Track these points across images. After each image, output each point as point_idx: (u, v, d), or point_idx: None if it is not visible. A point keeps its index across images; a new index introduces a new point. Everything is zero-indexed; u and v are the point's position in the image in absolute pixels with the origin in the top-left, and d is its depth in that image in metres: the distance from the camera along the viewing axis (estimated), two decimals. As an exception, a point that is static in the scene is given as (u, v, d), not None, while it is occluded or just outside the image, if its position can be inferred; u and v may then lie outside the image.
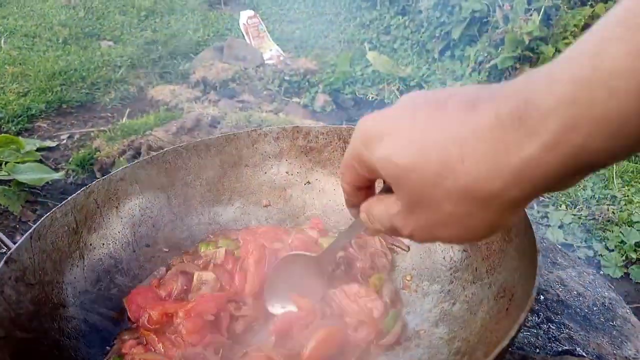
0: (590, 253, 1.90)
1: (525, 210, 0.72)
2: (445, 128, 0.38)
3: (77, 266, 0.85)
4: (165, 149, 1.03)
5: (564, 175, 0.35)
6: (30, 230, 0.79)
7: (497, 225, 0.40)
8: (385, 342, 0.78)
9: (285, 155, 1.10)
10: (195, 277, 0.89)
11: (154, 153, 1.05)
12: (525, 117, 0.34)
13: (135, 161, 1.00)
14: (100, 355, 0.78)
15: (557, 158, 0.33)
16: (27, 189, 2.09)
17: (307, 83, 3.16)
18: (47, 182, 2.12)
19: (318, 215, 1.06)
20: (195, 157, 1.05)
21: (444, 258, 0.88)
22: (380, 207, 0.48)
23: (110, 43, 3.69)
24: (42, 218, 0.83)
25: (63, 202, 0.87)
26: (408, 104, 0.43)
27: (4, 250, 1.84)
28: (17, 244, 0.76)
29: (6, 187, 2.05)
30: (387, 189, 0.49)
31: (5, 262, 0.73)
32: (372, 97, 3.04)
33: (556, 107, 0.32)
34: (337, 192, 1.08)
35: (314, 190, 1.09)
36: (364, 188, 0.53)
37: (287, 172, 1.10)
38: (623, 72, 0.30)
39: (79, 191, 0.90)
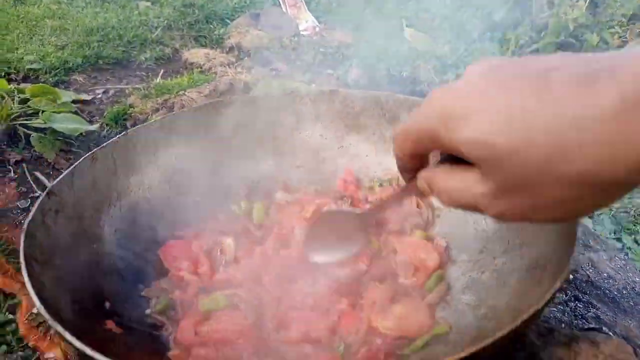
0: (619, 245, 1.87)
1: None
2: (556, 109, 0.34)
3: (115, 206, 0.87)
4: (203, 103, 1.04)
5: None
6: (71, 167, 0.81)
7: (606, 205, 0.38)
8: (428, 300, 0.78)
9: (321, 118, 1.09)
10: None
11: (192, 106, 1.06)
12: None
13: (174, 112, 1.01)
14: (134, 290, 0.80)
15: None
16: (61, 138, 2.13)
17: (341, 56, 3.13)
18: (82, 134, 2.15)
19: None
20: (232, 113, 1.06)
21: (475, 229, 0.88)
22: (455, 182, 0.44)
23: (148, 3, 3.70)
24: (83, 157, 0.85)
25: (104, 144, 0.89)
26: (493, 77, 0.39)
27: (38, 194, 1.90)
28: (58, 179, 0.79)
29: (42, 135, 2.09)
30: (452, 159, 0.45)
31: (47, 194, 0.75)
32: (406, 75, 3.00)
33: None
34: (369, 158, 1.08)
35: (347, 155, 1.09)
36: (421, 157, 0.49)
37: (321, 135, 1.10)
38: None
39: (119, 135, 0.91)
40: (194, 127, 1.01)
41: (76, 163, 0.82)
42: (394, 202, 0.67)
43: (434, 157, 0.50)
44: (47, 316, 0.55)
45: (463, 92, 0.40)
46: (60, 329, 0.53)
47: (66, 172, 0.80)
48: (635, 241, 1.91)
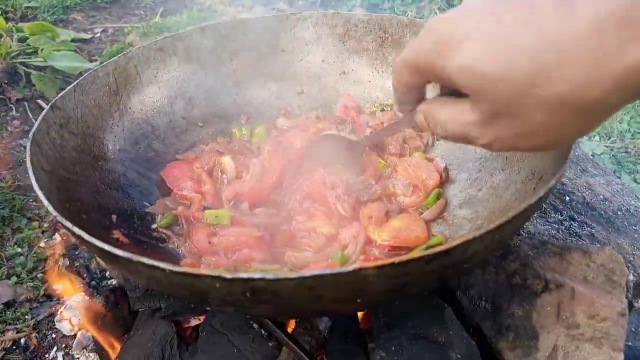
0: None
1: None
2: (538, 31, 0.35)
3: (117, 126, 0.88)
4: (203, 25, 1.03)
5: None
6: (73, 84, 0.82)
7: (588, 131, 0.38)
8: (425, 215, 0.80)
9: (323, 42, 1.08)
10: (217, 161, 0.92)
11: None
12: (630, 19, 0.31)
13: (174, 33, 1.00)
14: (138, 207, 0.82)
15: None
16: (61, 77, 2.12)
17: (344, -4, 3.05)
18: (81, 72, 2.14)
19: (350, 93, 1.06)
20: (233, 35, 1.05)
21: (474, 150, 0.89)
22: (448, 114, 0.45)
23: (146, -60, 3.58)
24: (85, 74, 0.85)
25: (104, 63, 0.88)
26: (486, 4, 0.39)
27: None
28: (61, 94, 0.79)
29: (42, 73, 2.08)
30: (449, 92, 0.46)
31: (51, 107, 0.75)
32: (411, 15, 2.94)
33: None
34: (371, 84, 1.07)
35: (349, 81, 1.09)
36: (419, 90, 0.50)
37: (323, 61, 1.09)
38: None
39: (119, 54, 0.91)
40: (195, 49, 1.01)
41: (78, 80, 0.82)
42: (388, 132, 0.69)
43: (432, 91, 0.51)
44: (55, 213, 0.57)
45: (458, 19, 0.40)
46: (68, 224, 0.55)
47: (68, 88, 0.80)
48: (635, 180, 1.92)
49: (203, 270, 0.46)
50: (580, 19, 0.33)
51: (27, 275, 1.33)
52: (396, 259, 0.47)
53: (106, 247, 0.51)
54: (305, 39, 1.08)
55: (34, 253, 1.40)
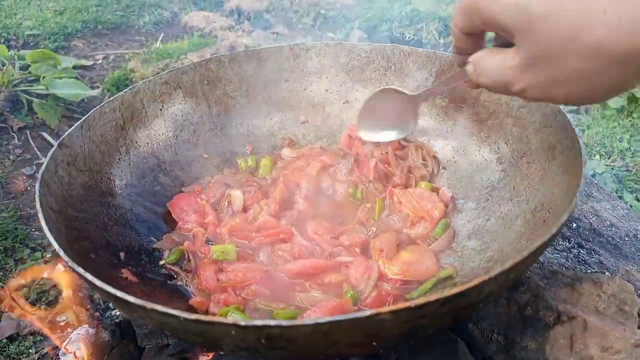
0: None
1: (574, 127, 0.72)
2: None
3: (124, 160, 0.88)
4: (207, 57, 1.04)
5: None
6: (80, 121, 0.82)
7: (621, 88, 0.39)
8: (435, 247, 0.80)
9: (326, 72, 1.09)
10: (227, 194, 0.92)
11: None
12: None
13: (179, 66, 1.01)
14: (146, 243, 0.82)
15: None
16: (63, 105, 2.13)
17: (342, 18, 3.08)
18: (83, 99, 2.15)
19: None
20: (237, 67, 1.05)
21: (481, 178, 0.89)
22: (494, 60, 0.46)
23: (145, -33, 3.62)
24: (92, 111, 0.85)
25: (111, 98, 0.89)
26: None
27: (42, 160, 1.91)
28: (68, 131, 0.79)
29: (44, 101, 2.09)
30: (502, 44, 0.48)
31: (59, 146, 0.76)
32: (409, 37, 2.96)
33: None
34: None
35: (352, 110, 1.09)
36: (474, 36, 0.51)
37: (326, 90, 1.10)
38: None
39: (126, 89, 0.91)
40: (199, 82, 1.02)
41: (85, 116, 0.83)
42: (443, 86, 0.70)
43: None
44: (66, 259, 0.56)
45: None
46: (80, 270, 0.55)
47: (75, 125, 0.80)
48: (637, 199, 1.92)
49: (217, 318, 0.46)
50: None
51: (31, 307, 1.32)
52: (412, 303, 0.47)
53: (119, 293, 0.50)
54: (309, 69, 1.09)
55: (37, 284, 1.39)
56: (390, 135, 0.87)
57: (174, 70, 0.99)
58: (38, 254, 1.50)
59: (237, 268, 0.75)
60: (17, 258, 1.48)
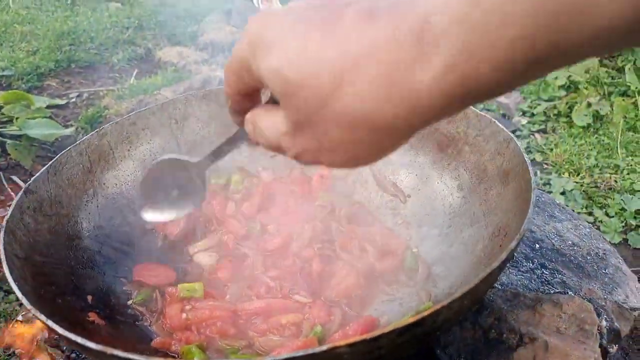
0: (591, 219, 1.93)
1: (524, 154, 0.75)
2: (341, 42, 0.34)
3: (92, 203, 0.89)
4: (174, 97, 1.06)
5: (451, 105, 0.33)
6: (47, 165, 0.83)
7: (386, 152, 0.38)
8: (419, 277, 0.82)
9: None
10: None
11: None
12: (422, 37, 0.31)
13: (146, 107, 1.03)
14: (113, 284, 0.82)
15: (447, 87, 0.31)
16: (37, 145, 2.12)
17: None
18: (57, 138, 2.15)
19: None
20: (204, 105, 1.08)
21: (443, 205, 0.92)
22: (268, 122, 0.43)
23: (118, 4, 3.67)
24: (58, 155, 0.86)
25: (77, 142, 0.90)
26: (300, 8, 0.38)
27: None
28: (34, 177, 0.80)
29: (17, 142, 2.08)
30: (274, 100, 0.44)
31: (24, 192, 0.76)
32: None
33: (449, 29, 0.29)
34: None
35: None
36: (249, 95, 0.46)
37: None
38: None
39: (92, 132, 0.93)
40: (166, 121, 1.03)
41: (51, 161, 0.84)
42: (226, 148, 0.61)
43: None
44: (29, 306, 0.57)
45: (274, 21, 0.38)
46: (43, 318, 0.55)
47: (42, 170, 0.81)
48: (606, 214, 1.98)
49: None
50: (380, 32, 0.32)
51: (4, 352, 1.30)
52: (367, 336, 0.48)
53: (79, 339, 0.51)
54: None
55: (11, 327, 1.37)
56: (179, 211, 0.71)
57: (141, 111, 1.01)
58: (12, 296, 1.48)
59: (203, 305, 0.76)
60: (-10, 302, 1.46)
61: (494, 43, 0.29)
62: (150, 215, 0.70)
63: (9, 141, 2.06)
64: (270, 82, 0.38)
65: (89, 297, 0.76)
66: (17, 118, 2.13)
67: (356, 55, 0.33)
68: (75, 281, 0.77)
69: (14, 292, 1.44)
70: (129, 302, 0.80)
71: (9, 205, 1.84)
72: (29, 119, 2.16)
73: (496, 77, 0.30)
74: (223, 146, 0.62)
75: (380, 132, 0.35)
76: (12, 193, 1.93)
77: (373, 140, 0.36)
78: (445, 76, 0.30)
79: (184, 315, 0.76)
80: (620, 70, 2.53)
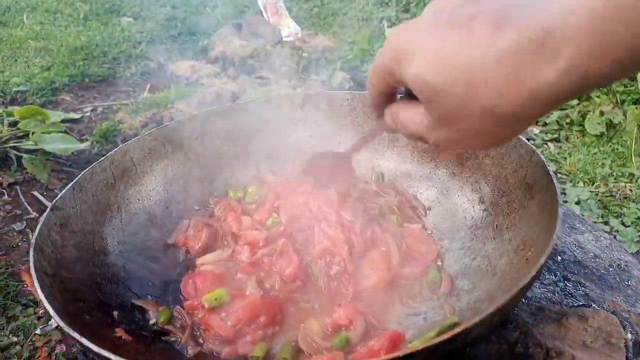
0: (607, 229, 1.92)
1: (548, 167, 0.75)
2: (471, 50, 0.41)
3: (116, 218, 0.90)
4: (195, 113, 1.07)
5: (571, 95, 0.39)
6: (72, 182, 0.84)
7: (513, 136, 0.46)
8: (442, 291, 0.81)
9: (309, 120, 1.13)
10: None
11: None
12: (544, 44, 0.37)
13: (167, 123, 1.04)
14: (138, 299, 0.82)
15: (570, 81, 0.37)
16: (52, 159, 2.15)
17: (325, 60, 3.17)
18: (73, 153, 2.17)
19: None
20: (223, 120, 1.09)
21: (464, 217, 0.92)
22: (408, 115, 0.51)
23: (130, 19, 3.72)
24: (83, 172, 0.87)
25: (102, 159, 0.91)
26: (434, 19, 0.45)
27: (32, 216, 1.92)
28: (61, 194, 0.81)
29: (33, 156, 2.10)
30: (411, 94, 0.52)
31: (51, 209, 0.77)
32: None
33: (572, 37, 0.36)
34: (360, 155, 1.11)
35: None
36: (388, 94, 0.56)
37: (310, 136, 1.13)
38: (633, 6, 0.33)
39: (116, 149, 0.94)
40: (187, 137, 1.04)
41: (77, 178, 0.85)
42: (369, 138, 0.74)
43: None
44: (62, 324, 0.57)
45: (413, 31, 0.46)
46: (76, 335, 0.56)
47: (68, 187, 0.82)
48: (622, 223, 1.96)
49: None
50: (505, 41, 0.39)
51: (23, 364, 1.31)
52: (400, 353, 0.48)
53: (113, 357, 0.51)
54: (293, 117, 1.12)
55: (30, 341, 1.38)
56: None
57: (162, 127, 1.02)
58: (30, 310, 1.49)
59: (238, 307, 0.77)
60: (9, 315, 1.47)
61: (613, 45, 0.35)
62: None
63: (25, 155, 2.08)
64: (414, 86, 0.46)
65: (115, 313, 0.77)
66: (32, 133, 2.15)
67: (484, 60, 0.40)
68: (102, 297, 0.77)
69: (32, 306, 1.46)
70: (151, 323, 0.80)
71: (26, 219, 1.86)
72: (44, 133, 2.19)
73: (613, 70, 0.36)
74: (366, 137, 0.74)
75: (509, 121, 0.42)
76: (28, 207, 1.95)
77: (505, 128, 0.44)
78: (568, 73, 0.37)
79: (228, 323, 0.77)
80: (633, 78, 2.52)
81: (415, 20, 0.47)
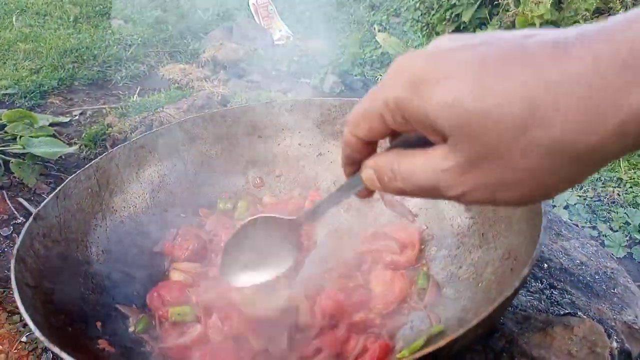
0: (595, 233, 1.93)
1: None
2: (533, 71, 0.33)
3: (100, 227, 0.89)
4: (182, 119, 1.07)
5: None
6: (56, 191, 0.83)
7: (576, 182, 0.36)
8: (427, 299, 0.81)
9: (299, 126, 1.12)
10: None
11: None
12: (631, 65, 0.31)
13: (154, 130, 1.03)
14: (123, 309, 0.81)
15: None
16: (41, 163, 2.12)
17: (316, 64, 3.17)
18: (61, 156, 2.15)
19: (327, 188, 1.10)
20: (211, 126, 1.08)
21: (451, 225, 0.92)
22: (414, 163, 0.41)
23: (121, 22, 3.70)
24: (67, 180, 0.86)
25: (86, 166, 0.90)
26: (464, 44, 0.37)
27: (20, 221, 1.90)
28: (43, 203, 0.80)
29: (21, 160, 2.08)
30: (402, 145, 0.43)
31: (34, 219, 0.76)
32: (381, 79, 3.05)
33: None
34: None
35: (326, 162, 1.12)
36: (373, 143, 0.45)
37: (299, 144, 1.13)
38: None
39: (101, 156, 0.93)
40: (174, 143, 1.04)
41: (60, 186, 0.84)
42: (331, 202, 0.55)
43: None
44: (42, 338, 0.57)
45: (436, 57, 0.37)
46: (57, 350, 0.55)
47: (51, 195, 0.81)
48: (610, 228, 1.97)
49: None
50: (579, 63, 0.32)
51: (9, 375, 1.29)
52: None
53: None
54: (281, 124, 1.12)
55: (15, 349, 1.36)
56: (266, 275, 0.65)
57: (149, 134, 1.01)
58: (16, 317, 1.47)
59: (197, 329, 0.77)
60: (-7, 323, 1.46)
61: None
62: (233, 278, 0.66)
63: (12, 160, 2.06)
64: (443, 118, 0.36)
65: (98, 324, 0.76)
66: (20, 136, 2.13)
67: (555, 82, 0.32)
68: (85, 308, 0.76)
69: (18, 313, 1.44)
70: (130, 330, 0.80)
71: (13, 224, 1.84)
72: (32, 137, 2.17)
73: None
74: (328, 200, 0.56)
75: (583, 159, 0.34)
76: (15, 212, 1.93)
77: (572, 168, 0.35)
78: None
79: (182, 339, 0.76)
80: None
81: (427, 49, 0.39)
